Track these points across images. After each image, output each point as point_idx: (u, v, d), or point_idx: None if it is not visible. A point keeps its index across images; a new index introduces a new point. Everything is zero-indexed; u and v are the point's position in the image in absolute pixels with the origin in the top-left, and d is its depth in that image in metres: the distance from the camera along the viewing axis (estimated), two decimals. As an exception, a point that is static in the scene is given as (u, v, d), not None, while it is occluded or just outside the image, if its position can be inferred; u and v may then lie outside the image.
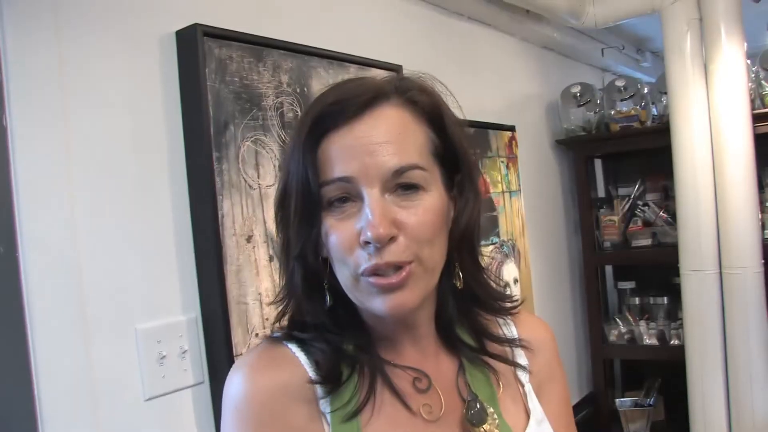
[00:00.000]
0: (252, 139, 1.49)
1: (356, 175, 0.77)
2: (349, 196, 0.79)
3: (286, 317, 0.87)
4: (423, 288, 0.81)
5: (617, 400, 3.06)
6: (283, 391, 0.80)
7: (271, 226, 1.50)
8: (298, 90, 1.61)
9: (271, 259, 1.50)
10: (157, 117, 1.37)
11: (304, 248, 0.81)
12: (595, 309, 3.06)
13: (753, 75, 2.63)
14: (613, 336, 3.05)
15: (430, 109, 0.84)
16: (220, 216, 1.39)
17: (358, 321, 0.86)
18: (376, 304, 0.79)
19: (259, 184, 1.49)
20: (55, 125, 1.20)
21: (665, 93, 2.66)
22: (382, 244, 0.76)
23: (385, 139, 0.79)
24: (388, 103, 0.82)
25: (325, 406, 0.81)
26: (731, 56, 2.36)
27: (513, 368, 0.93)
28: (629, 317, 3.04)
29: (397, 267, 0.77)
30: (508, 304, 0.95)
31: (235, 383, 0.81)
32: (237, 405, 0.79)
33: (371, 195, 0.77)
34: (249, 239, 1.46)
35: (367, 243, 0.76)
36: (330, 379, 0.81)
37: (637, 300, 3.08)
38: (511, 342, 0.94)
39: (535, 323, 1.00)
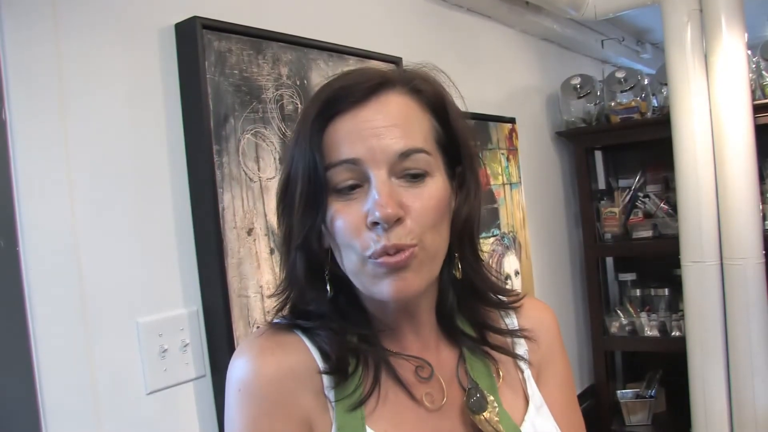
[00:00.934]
0: (252, 131, 1.48)
1: (363, 157, 0.78)
2: (356, 182, 0.79)
3: (287, 308, 0.87)
4: (426, 274, 0.81)
5: (618, 391, 3.07)
6: (292, 374, 0.80)
7: (272, 218, 1.49)
8: (297, 82, 1.61)
9: (272, 252, 1.50)
10: (156, 110, 1.37)
11: (308, 236, 0.81)
12: (596, 301, 3.07)
13: (754, 66, 2.63)
14: (614, 328, 3.05)
15: (434, 98, 0.85)
16: (220, 209, 1.39)
17: (360, 311, 0.87)
18: (381, 288, 0.79)
19: (260, 177, 1.49)
20: (55, 119, 1.19)
21: (665, 84, 2.66)
22: (389, 224, 0.76)
23: (391, 122, 0.79)
24: (393, 90, 0.83)
25: (330, 395, 0.81)
26: (732, 47, 2.35)
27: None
28: (630, 309, 3.05)
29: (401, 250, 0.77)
30: (508, 298, 0.96)
31: (240, 365, 0.81)
32: (243, 386, 0.79)
33: (378, 176, 0.77)
34: (250, 232, 1.45)
35: (374, 224, 0.76)
36: (339, 370, 0.81)
37: (638, 291, 3.08)
38: (511, 333, 0.94)
39: (536, 307, 1.00)
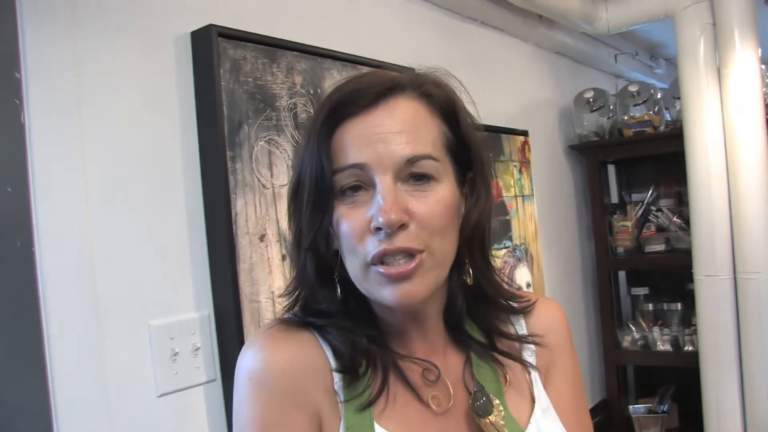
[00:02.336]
0: (266, 138, 1.50)
1: (369, 162, 0.78)
2: (362, 184, 0.79)
3: (298, 306, 0.88)
4: (432, 280, 0.81)
5: (630, 406, 3.04)
6: (304, 366, 0.80)
7: (284, 225, 1.51)
8: (311, 91, 1.62)
9: (283, 258, 1.51)
10: (171, 116, 1.39)
11: (315, 238, 0.82)
12: (608, 315, 3.05)
13: (767, 80, 2.62)
14: (626, 342, 3.04)
15: (444, 103, 0.85)
16: (233, 214, 1.40)
17: (369, 314, 0.87)
18: (384, 294, 0.79)
19: (273, 184, 1.50)
20: (72, 123, 1.21)
21: (678, 98, 2.66)
22: (392, 229, 0.76)
23: (399, 128, 0.79)
24: (403, 94, 0.83)
25: (340, 393, 0.81)
26: (745, 61, 2.36)
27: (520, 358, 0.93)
28: (643, 323, 3.03)
29: (408, 254, 0.77)
30: (518, 305, 0.95)
31: (251, 354, 0.81)
32: (254, 375, 0.79)
33: (383, 182, 0.78)
34: (262, 238, 1.47)
35: (378, 229, 0.77)
36: (351, 369, 0.81)
37: (650, 306, 3.06)
38: (520, 339, 0.93)
39: (545, 306, 0.99)
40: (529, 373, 0.92)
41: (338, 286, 0.86)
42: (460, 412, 0.85)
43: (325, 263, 0.84)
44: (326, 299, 0.85)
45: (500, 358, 0.90)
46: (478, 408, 0.84)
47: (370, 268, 0.79)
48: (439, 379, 0.86)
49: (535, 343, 0.94)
